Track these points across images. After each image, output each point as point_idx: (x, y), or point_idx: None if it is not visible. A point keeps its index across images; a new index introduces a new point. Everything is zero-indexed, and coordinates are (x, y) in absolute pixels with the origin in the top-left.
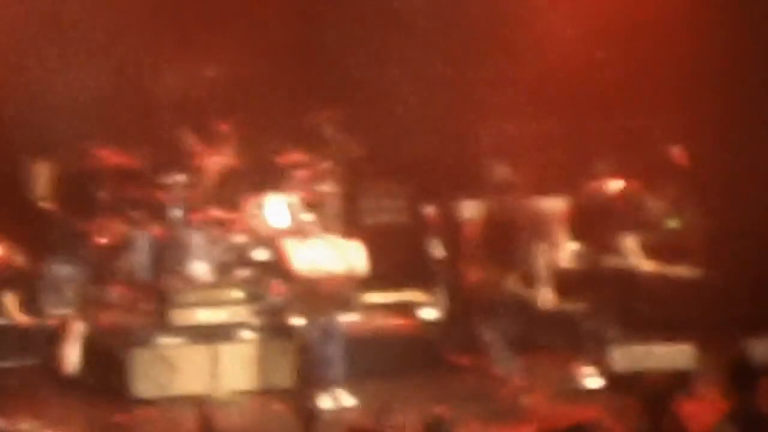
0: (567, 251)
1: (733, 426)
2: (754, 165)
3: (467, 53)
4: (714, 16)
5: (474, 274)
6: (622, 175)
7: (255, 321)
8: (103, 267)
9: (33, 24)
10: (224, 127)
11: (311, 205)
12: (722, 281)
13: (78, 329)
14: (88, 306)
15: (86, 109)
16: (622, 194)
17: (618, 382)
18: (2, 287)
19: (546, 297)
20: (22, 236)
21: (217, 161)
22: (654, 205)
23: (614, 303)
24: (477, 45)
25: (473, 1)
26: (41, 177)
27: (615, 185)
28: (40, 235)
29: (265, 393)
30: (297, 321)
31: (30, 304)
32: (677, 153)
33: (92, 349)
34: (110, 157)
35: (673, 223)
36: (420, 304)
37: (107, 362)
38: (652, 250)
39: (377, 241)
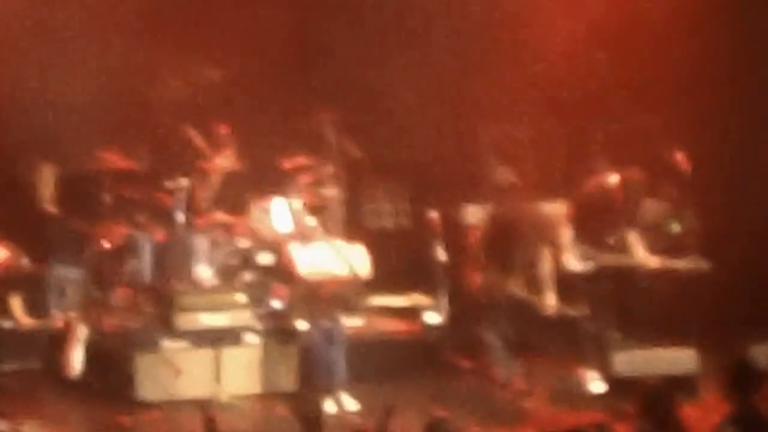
0: (569, 254)
1: (734, 430)
2: (755, 165)
3: (469, 56)
4: (714, 17)
5: (476, 278)
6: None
7: (258, 325)
8: (107, 270)
9: (37, 28)
10: (227, 131)
11: (314, 209)
12: (723, 285)
13: (82, 332)
14: (92, 309)
15: (90, 113)
16: (622, 186)
17: (619, 386)
18: (7, 289)
19: (548, 301)
20: (26, 239)
21: (220, 165)
22: (654, 205)
23: (616, 307)
24: (479, 48)
25: (475, 3)
26: (46, 180)
27: (613, 178)
28: (45, 239)
29: (269, 396)
30: (300, 325)
31: (34, 307)
32: (678, 154)
33: (96, 352)
34: (114, 160)
35: (673, 225)
36: (422, 308)
37: (111, 365)
38: (653, 250)
39: (380, 245)
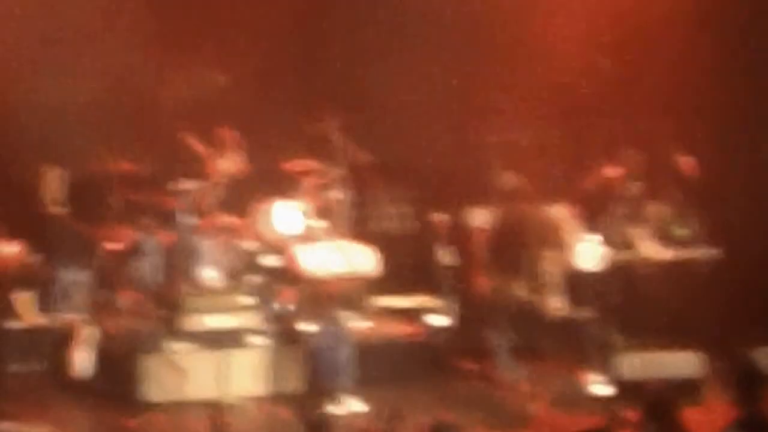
0: (574, 257)
1: None
2: (762, 167)
3: (475, 60)
4: (715, 19)
5: (482, 281)
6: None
7: (264, 327)
8: (113, 272)
9: (44, 32)
10: (233, 134)
11: (321, 212)
12: (728, 288)
13: (88, 334)
14: (98, 311)
15: (96, 117)
16: (621, 180)
17: (624, 390)
18: (15, 287)
19: (553, 304)
20: (33, 242)
21: (226, 168)
22: (658, 209)
23: (621, 310)
24: (485, 53)
25: (481, 9)
26: (53, 183)
27: (613, 172)
28: (51, 241)
29: (274, 398)
30: (306, 327)
31: (41, 308)
32: (683, 159)
33: (102, 354)
34: (121, 163)
35: (677, 229)
36: (428, 311)
37: (117, 367)
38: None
39: (386, 248)
